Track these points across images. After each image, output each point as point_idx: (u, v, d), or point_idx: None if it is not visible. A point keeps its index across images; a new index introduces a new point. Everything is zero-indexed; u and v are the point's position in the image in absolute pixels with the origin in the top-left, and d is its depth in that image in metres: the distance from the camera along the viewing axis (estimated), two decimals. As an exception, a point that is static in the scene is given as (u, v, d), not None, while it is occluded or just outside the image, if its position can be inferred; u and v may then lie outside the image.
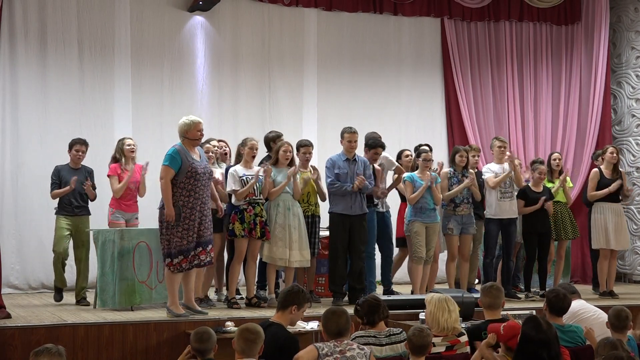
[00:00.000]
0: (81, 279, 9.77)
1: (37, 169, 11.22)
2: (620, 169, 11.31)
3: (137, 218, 10.13)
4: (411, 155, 10.88)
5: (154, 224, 8.88)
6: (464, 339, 6.51)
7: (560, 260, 11.28)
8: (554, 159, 11.32)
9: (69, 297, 9.89)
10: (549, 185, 11.00)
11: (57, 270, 9.80)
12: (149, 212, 10.22)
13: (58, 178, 9.79)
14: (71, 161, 9.90)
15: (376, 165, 10.28)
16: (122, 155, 9.93)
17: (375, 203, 10.32)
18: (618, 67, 14.03)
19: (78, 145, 9.86)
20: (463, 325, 6.85)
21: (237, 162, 9.59)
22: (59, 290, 9.82)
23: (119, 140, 10.11)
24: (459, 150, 10.68)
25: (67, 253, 9.80)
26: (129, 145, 9.99)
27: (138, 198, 10.12)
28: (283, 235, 9.45)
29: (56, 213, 9.77)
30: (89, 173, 9.96)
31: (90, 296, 9.60)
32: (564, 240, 11.23)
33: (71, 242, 9.82)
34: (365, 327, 6.45)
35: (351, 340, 6.13)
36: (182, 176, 8.38)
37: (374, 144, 10.23)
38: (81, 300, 9.63)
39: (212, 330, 5.79)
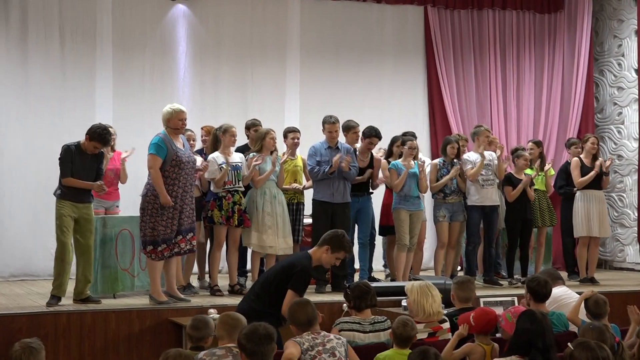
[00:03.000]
0: (87, 272, 8.59)
1: (18, 156, 11.20)
2: (599, 158, 11.39)
3: (117, 206, 10.12)
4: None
5: (136, 212, 8.86)
6: (446, 325, 6.59)
7: (540, 248, 11.37)
8: (529, 149, 11.38)
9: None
10: (528, 171, 11.06)
11: (65, 266, 8.52)
12: (131, 199, 10.22)
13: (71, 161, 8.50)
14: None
15: (375, 154, 10.36)
16: None
17: (370, 191, 10.37)
18: (600, 56, 14.11)
19: (99, 144, 8.56)
20: (445, 311, 6.93)
21: (215, 149, 9.57)
22: (57, 299, 8.50)
23: None
24: (450, 141, 10.68)
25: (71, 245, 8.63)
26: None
27: (120, 186, 10.12)
28: (272, 223, 9.49)
29: (59, 196, 8.53)
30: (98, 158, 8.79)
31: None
32: (543, 227, 11.31)
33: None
34: (351, 311, 6.51)
35: (335, 326, 6.23)
36: (167, 165, 8.41)
37: (369, 133, 10.23)
38: (89, 299, 8.57)
39: (211, 320, 5.84)
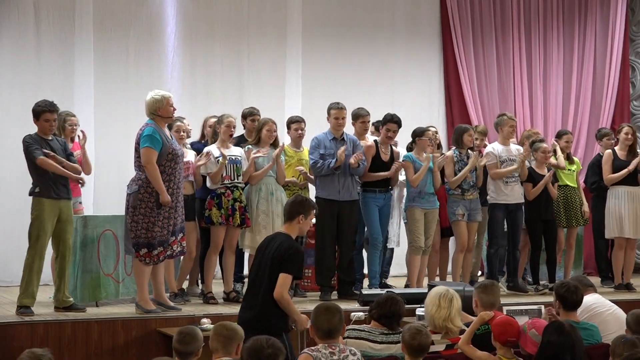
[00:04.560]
0: (66, 278, 8.67)
1: (-12, 148, 11.23)
2: (638, 150, 11.40)
3: (80, 202, 10.08)
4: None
5: (104, 211, 8.84)
6: None
7: (570, 250, 11.36)
8: (567, 141, 11.34)
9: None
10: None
11: (34, 275, 8.54)
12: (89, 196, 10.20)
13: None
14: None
15: (395, 148, 10.42)
16: (61, 132, 9.81)
17: (391, 187, 10.40)
18: (637, 36, 14.11)
19: (47, 114, 8.64)
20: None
21: (213, 141, 9.63)
22: (28, 308, 8.51)
23: (59, 115, 9.85)
24: (467, 129, 10.66)
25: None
26: (70, 124, 9.84)
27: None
28: (266, 222, 9.51)
29: (38, 195, 8.53)
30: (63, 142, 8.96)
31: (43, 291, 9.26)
32: (574, 227, 11.32)
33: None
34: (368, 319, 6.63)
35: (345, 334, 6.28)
36: (163, 159, 8.40)
37: (383, 119, 10.27)
38: (73, 307, 8.63)
39: (199, 331, 5.86)
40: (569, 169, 11.24)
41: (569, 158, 11.35)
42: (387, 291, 6.97)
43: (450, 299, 6.59)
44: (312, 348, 5.70)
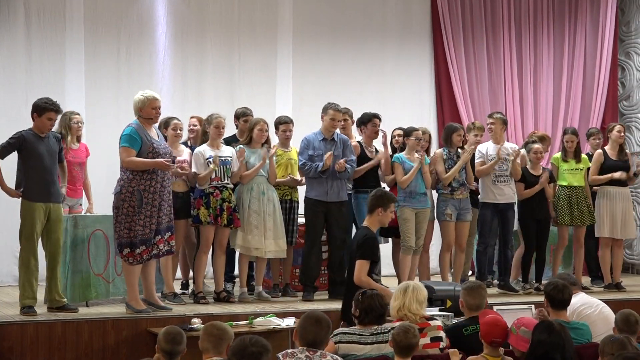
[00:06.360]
0: (56, 278, 8.62)
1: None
2: (626, 150, 11.39)
3: (81, 204, 10.08)
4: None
5: (94, 211, 8.79)
6: (435, 323, 6.62)
7: (580, 249, 11.20)
8: (567, 141, 11.17)
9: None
10: (564, 165, 11.03)
11: (31, 275, 8.51)
12: (96, 196, 10.20)
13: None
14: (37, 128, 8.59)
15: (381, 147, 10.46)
16: (68, 132, 9.83)
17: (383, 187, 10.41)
18: (627, 36, 14.12)
19: (52, 113, 8.58)
20: (454, 321, 6.98)
21: (204, 141, 9.60)
22: (31, 307, 8.48)
23: (64, 115, 9.92)
24: (456, 129, 10.67)
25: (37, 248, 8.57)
26: (76, 122, 9.91)
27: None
28: (258, 222, 9.49)
29: (26, 197, 8.48)
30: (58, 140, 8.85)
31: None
32: (581, 226, 11.13)
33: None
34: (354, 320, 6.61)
35: (333, 337, 6.25)
36: (143, 158, 8.38)
37: (367, 118, 10.33)
38: (65, 307, 8.59)
39: (183, 331, 5.89)
40: (575, 168, 11.11)
41: (576, 156, 11.18)
42: (363, 292, 6.90)
43: (404, 289, 6.66)
44: (288, 352, 5.63)
